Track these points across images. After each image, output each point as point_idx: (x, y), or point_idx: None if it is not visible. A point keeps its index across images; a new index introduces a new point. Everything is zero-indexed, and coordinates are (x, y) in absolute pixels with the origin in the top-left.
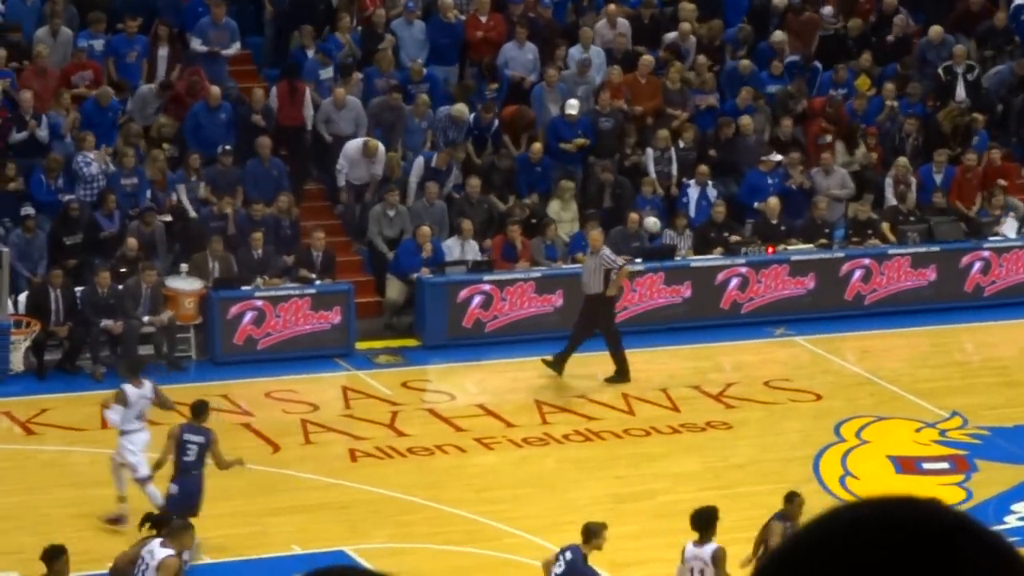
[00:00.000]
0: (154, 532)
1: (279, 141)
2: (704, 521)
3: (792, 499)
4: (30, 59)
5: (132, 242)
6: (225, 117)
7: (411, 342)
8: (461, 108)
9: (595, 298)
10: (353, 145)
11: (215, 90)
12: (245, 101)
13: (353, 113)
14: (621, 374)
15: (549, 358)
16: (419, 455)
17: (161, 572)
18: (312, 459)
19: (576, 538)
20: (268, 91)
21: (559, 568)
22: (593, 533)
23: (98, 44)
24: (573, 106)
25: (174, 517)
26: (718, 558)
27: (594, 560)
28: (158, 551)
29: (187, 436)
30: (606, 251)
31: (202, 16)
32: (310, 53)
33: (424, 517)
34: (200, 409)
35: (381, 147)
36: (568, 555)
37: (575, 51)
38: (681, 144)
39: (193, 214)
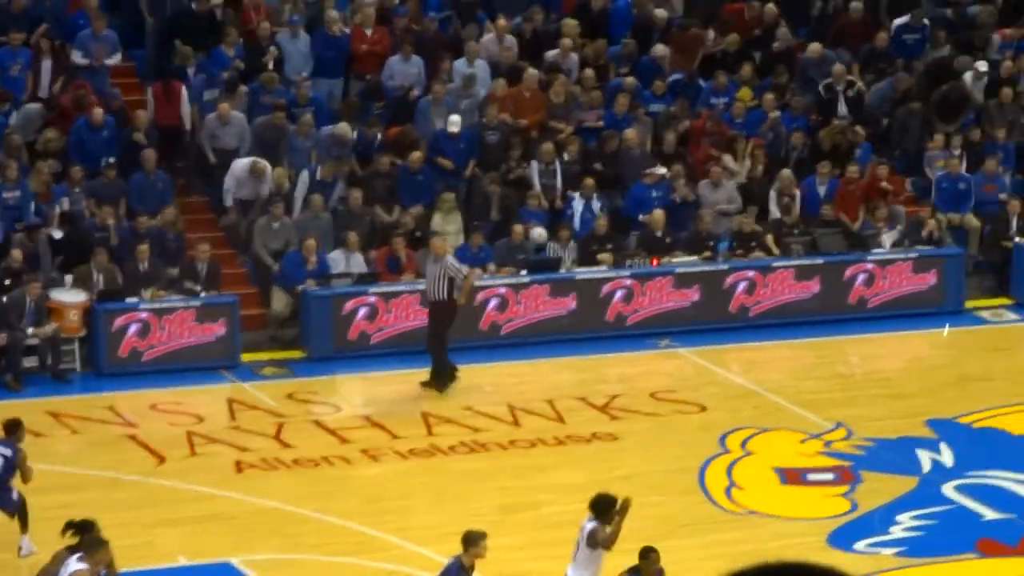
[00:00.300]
0: (76, 539)
1: (158, 144)
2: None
3: (647, 555)
4: None
5: (16, 254)
6: (108, 134)
7: (297, 354)
8: (344, 127)
9: (439, 305)
10: (240, 165)
11: (98, 111)
12: (128, 114)
13: (238, 128)
14: (440, 380)
15: (426, 379)
16: (305, 467)
17: None
18: (198, 470)
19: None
20: (146, 104)
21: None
22: (471, 541)
23: None
24: (455, 123)
25: (95, 525)
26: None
27: (479, 570)
28: (72, 564)
29: None
30: (450, 258)
31: (83, 28)
32: (190, 70)
33: (312, 528)
34: (13, 427)
35: (268, 168)
36: (448, 562)
37: (460, 64)
38: (566, 157)
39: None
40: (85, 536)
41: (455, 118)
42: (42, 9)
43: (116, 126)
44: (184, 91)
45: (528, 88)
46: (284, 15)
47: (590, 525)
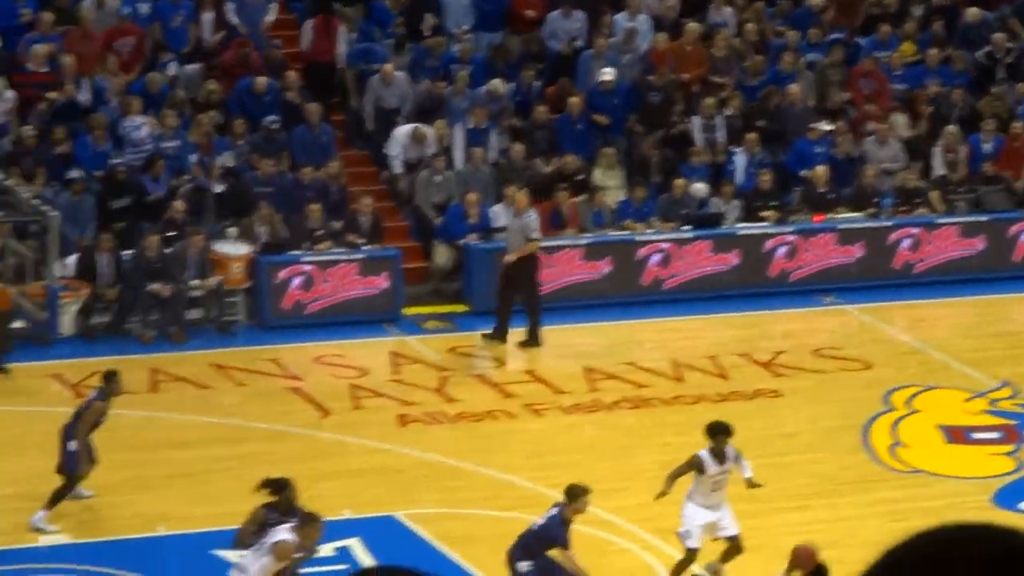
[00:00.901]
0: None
1: (310, 78)
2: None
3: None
4: (76, 23)
5: (179, 205)
6: (270, 98)
7: (459, 308)
8: (497, 84)
9: (517, 260)
10: (402, 132)
11: (260, 80)
12: (288, 66)
13: (400, 89)
14: (500, 333)
15: (488, 332)
16: (469, 421)
17: (276, 554)
18: (361, 424)
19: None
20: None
21: (540, 520)
22: (575, 496)
23: (144, 8)
24: (609, 73)
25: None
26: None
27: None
28: (281, 533)
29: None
30: (533, 214)
31: None
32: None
33: (474, 482)
34: (109, 377)
35: (430, 132)
36: (552, 511)
37: (621, 19)
38: (728, 112)
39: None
40: (303, 512)
41: (608, 70)
42: None
43: (276, 80)
44: (342, 29)
45: (689, 42)
46: None
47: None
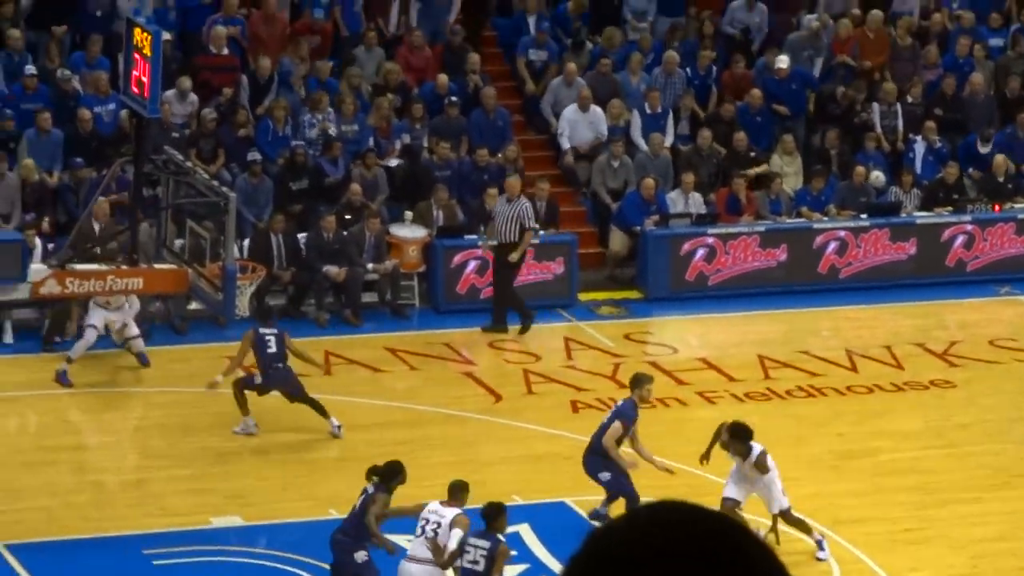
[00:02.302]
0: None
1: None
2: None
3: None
4: (259, 6)
5: (356, 187)
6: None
7: (634, 294)
8: (672, 56)
9: (506, 247)
10: (570, 108)
11: (442, 77)
12: (466, 49)
13: (576, 90)
14: (498, 324)
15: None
16: (641, 407)
17: (457, 525)
18: (534, 409)
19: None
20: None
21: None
22: (639, 383)
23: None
24: (783, 61)
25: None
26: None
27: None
28: (443, 509)
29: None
30: (526, 203)
31: None
32: (530, 21)
33: (646, 469)
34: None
35: (597, 108)
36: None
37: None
38: (909, 99)
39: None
40: (491, 506)
41: (783, 57)
42: None
43: (451, 67)
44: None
45: (872, 29)
46: None
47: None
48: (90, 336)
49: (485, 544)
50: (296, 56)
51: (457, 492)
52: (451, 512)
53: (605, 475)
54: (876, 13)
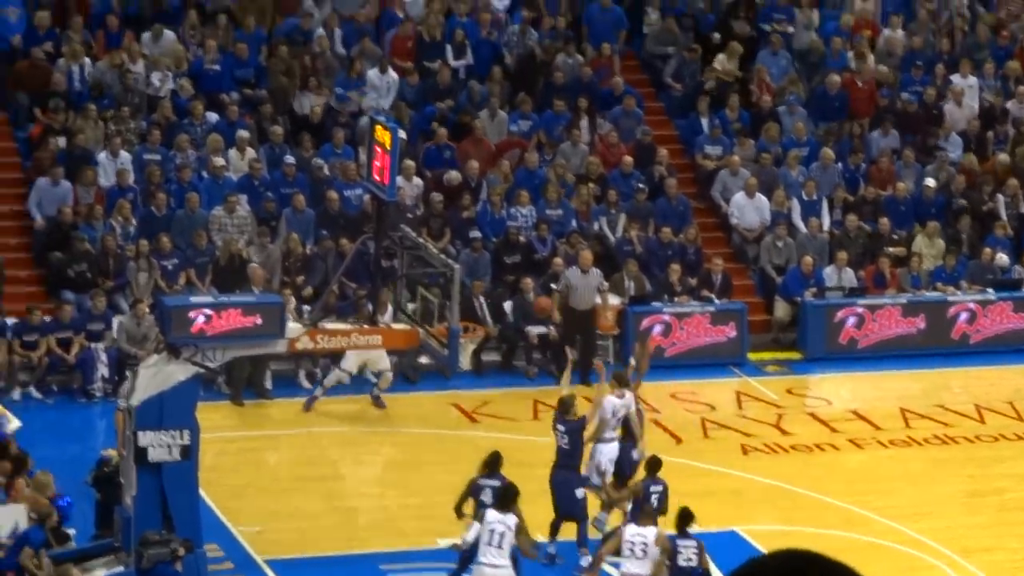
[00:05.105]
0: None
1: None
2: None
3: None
4: (470, 134)
5: (559, 261)
6: (635, 173)
7: (795, 355)
8: (827, 152)
9: (584, 313)
10: (739, 195)
11: (627, 160)
12: (655, 149)
13: (742, 178)
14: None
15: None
16: (801, 451)
17: (661, 545)
18: (709, 451)
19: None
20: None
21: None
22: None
23: (524, 125)
24: (931, 182)
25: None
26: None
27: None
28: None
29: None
30: (599, 274)
31: (615, 105)
32: (704, 122)
33: (805, 504)
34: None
35: (761, 196)
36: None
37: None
38: None
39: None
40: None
41: (930, 181)
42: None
43: (641, 161)
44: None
45: (992, 161)
46: (786, 94)
47: None
48: (344, 377)
49: (691, 544)
50: (500, 172)
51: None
52: (649, 532)
53: (580, 491)
54: (1003, 157)
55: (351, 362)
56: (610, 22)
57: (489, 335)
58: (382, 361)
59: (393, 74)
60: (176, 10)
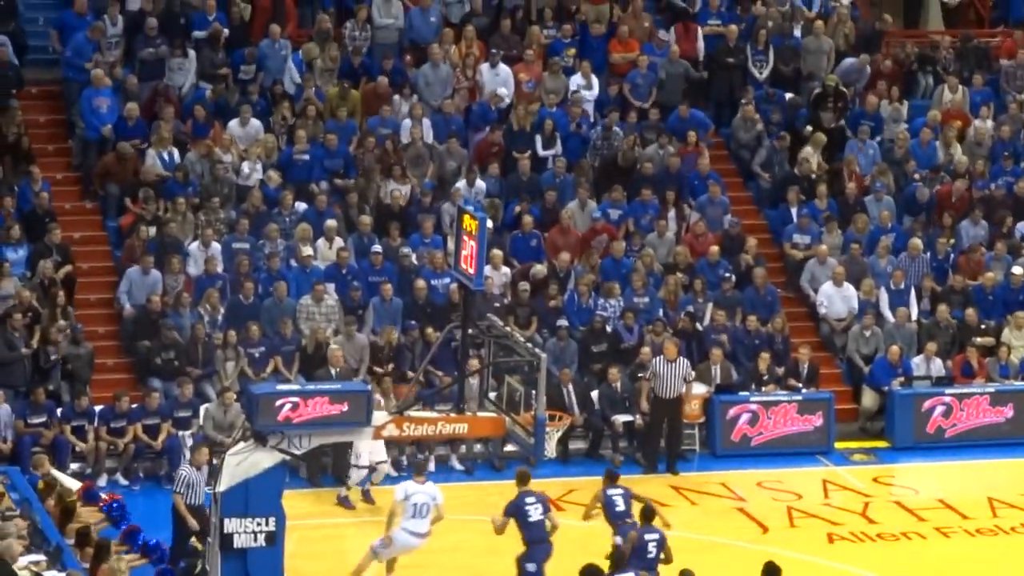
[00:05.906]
0: None
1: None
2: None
3: None
4: (557, 223)
5: (646, 350)
6: (723, 266)
7: (882, 444)
8: (916, 243)
9: (671, 402)
10: (827, 285)
11: (714, 249)
12: (743, 239)
13: (829, 268)
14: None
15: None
16: (887, 540)
17: None
18: (795, 540)
19: None
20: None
21: None
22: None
23: (614, 213)
24: (1018, 269)
25: None
26: None
27: None
28: None
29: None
30: (687, 363)
31: (701, 193)
32: (793, 211)
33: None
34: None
35: (849, 285)
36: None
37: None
38: None
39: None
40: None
41: (1018, 269)
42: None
43: (729, 250)
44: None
45: None
46: (869, 181)
47: None
48: (363, 474)
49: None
50: (588, 264)
51: None
52: None
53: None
54: None
55: (365, 457)
56: (693, 123)
57: (575, 423)
58: (379, 454)
59: (480, 183)
60: (264, 107)
